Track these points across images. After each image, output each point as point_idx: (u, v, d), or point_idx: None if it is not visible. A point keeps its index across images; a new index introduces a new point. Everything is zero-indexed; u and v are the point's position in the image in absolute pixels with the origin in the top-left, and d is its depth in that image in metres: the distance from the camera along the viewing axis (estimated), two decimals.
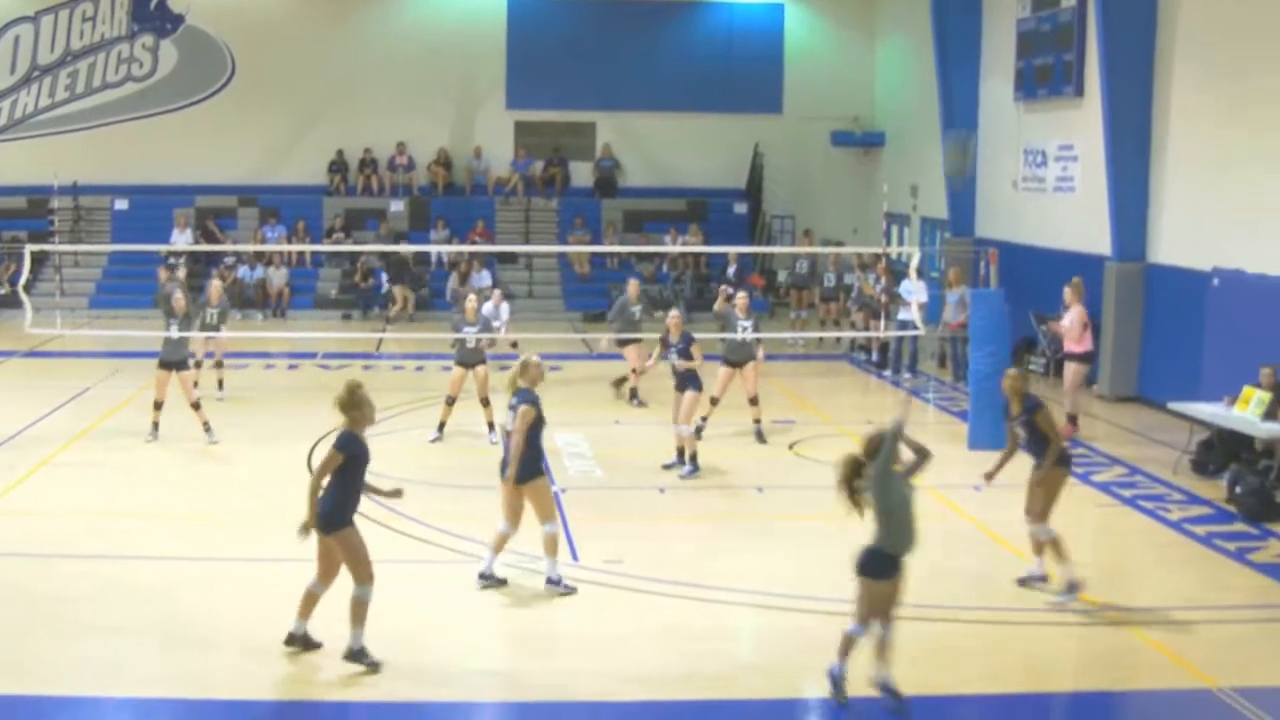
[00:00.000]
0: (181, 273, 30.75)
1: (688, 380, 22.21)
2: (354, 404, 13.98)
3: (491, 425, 24.37)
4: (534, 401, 16.21)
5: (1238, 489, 20.51)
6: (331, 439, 14.21)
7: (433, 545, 17.94)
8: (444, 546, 17.96)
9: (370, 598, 13.83)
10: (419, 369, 32.37)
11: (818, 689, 13.70)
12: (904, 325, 30.93)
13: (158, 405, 24.03)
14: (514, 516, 16.37)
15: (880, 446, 13.01)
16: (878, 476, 12.98)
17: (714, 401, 24.69)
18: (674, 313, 23.11)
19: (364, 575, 13.84)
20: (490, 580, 16.44)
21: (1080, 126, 31.84)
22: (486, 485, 21.49)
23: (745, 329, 24.77)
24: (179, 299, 24.31)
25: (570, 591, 16.32)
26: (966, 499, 21.01)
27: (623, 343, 28.48)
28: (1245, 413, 21.76)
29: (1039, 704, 13.28)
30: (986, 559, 18.08)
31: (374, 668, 13.78)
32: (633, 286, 28.92)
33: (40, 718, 12.75)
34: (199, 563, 17.33)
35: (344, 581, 13.99)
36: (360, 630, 13.83)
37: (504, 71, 46.25)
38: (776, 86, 46.84)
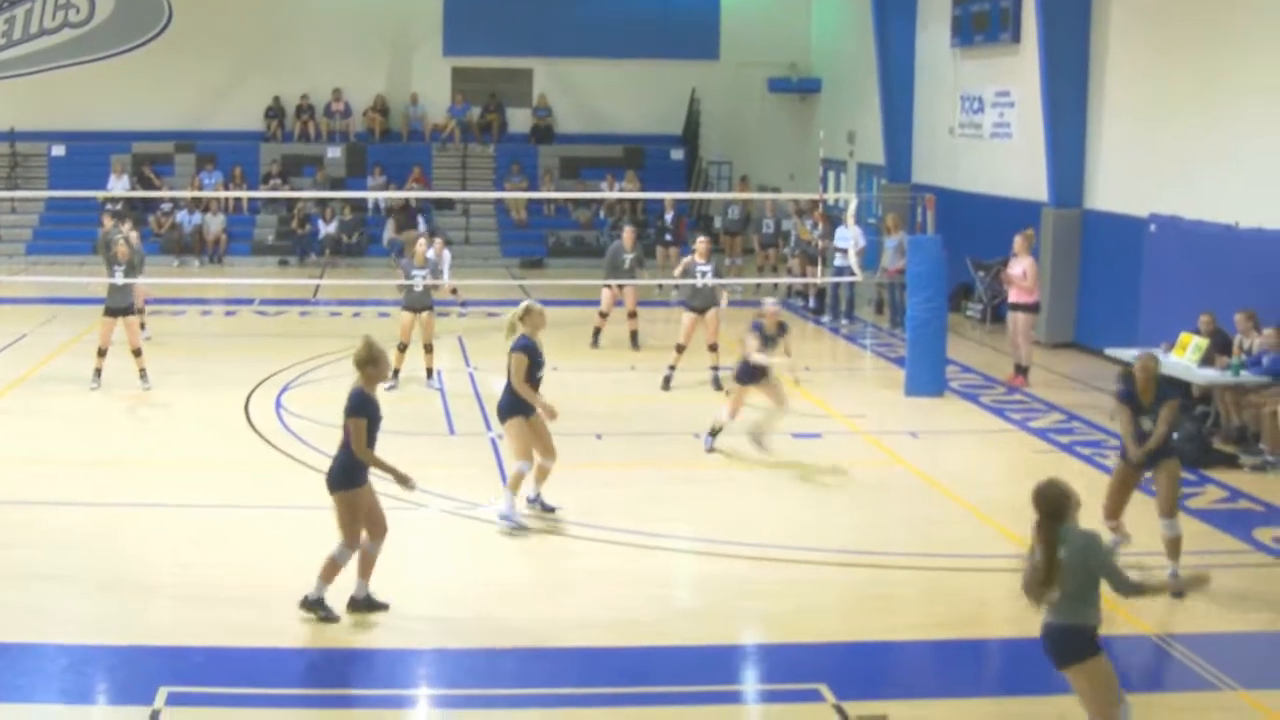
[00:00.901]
0: (127, 224, 30.32)
1: (760, 373, 20.24)
2: (371, 359, 13.82)
3: (430, 371, 24.36)
4: (524, 348, 16.86)
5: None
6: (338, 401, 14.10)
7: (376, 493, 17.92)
8: (387, 494, 17.89)
9: (346, 563, 13.83)
10: (356, 315, 32.22)
11: (751, 635, 13.85)
12: (841, 271, 30.98)
13: (101, 352, 23.82)
14: (524, 453, 16.88)
15: (1063, 504, 10.46)
16: (1083, 541, 10.64)
17: (679, 349, 24.82)
18: (770, 303, 21.03)
19: (350, 539, 13.82)
20: (539, 505, 17.25)
21: (1017, 73, 31.90)
22: (431, 432, 21.60)
23: (705, 274, 24.79)
24: (120, 245, 24.14)
25: (519, 528, 16.65)
26: (903, 445, 21.15)
27: (615, 285, 28.28)
28: (1182, 359, 21.86)
29: (976, 650, 13.35)
30: (924, 505, 18.17)
31: (330, 619, 13.75)
32: (628, 234, 28.71)
33: None
34: (139, 509, 17.25)
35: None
36: (325, 585, 13.79)
37: (441, 17, 45.87)
38: (713, 33, 46.58)
